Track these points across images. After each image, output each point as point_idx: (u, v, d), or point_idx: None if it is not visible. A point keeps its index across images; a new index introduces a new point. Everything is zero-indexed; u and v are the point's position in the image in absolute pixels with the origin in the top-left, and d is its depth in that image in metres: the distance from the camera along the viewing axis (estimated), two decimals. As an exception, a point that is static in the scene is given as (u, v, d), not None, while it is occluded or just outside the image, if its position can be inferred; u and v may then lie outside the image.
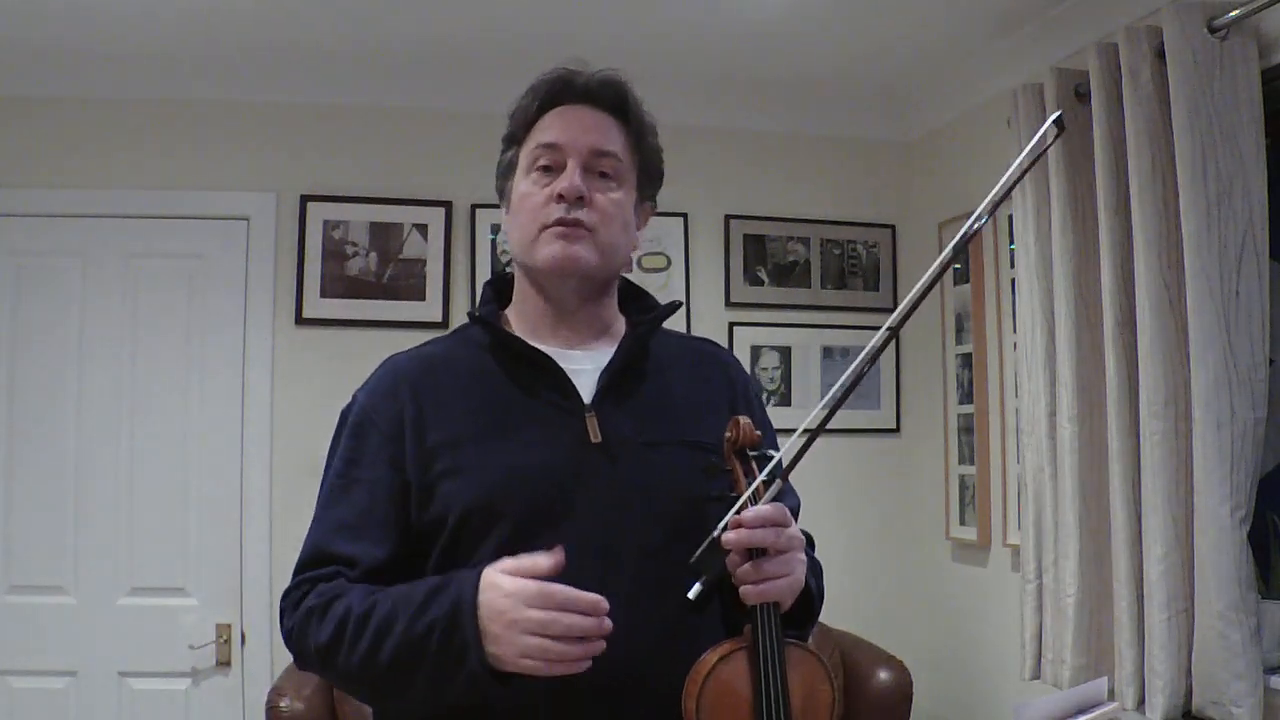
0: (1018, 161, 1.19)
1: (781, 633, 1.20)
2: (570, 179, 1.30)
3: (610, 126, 1.35)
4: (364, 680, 1.21)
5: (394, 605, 1.17)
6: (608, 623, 1.10)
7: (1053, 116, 1.20)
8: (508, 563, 1.13)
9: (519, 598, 1.10)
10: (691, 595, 1.16)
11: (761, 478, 1.22)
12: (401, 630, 1.15)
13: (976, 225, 1.19)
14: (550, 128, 1.34)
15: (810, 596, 1.31)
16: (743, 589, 1.19)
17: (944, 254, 1.17)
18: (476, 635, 1.11)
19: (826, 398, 1.18)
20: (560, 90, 1.36)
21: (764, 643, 1.19)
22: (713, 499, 1.27)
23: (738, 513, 1.19)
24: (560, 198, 1.30)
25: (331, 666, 1.22)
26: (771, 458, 1.28)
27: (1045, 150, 1.21)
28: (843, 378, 1.19)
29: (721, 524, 1.18)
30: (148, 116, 3.11)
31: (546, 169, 1.33)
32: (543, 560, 1.12)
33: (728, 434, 1.29)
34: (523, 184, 1.35)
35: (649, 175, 1.41)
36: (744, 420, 1.29)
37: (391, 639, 1.15)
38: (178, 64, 3.05)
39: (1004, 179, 1.18)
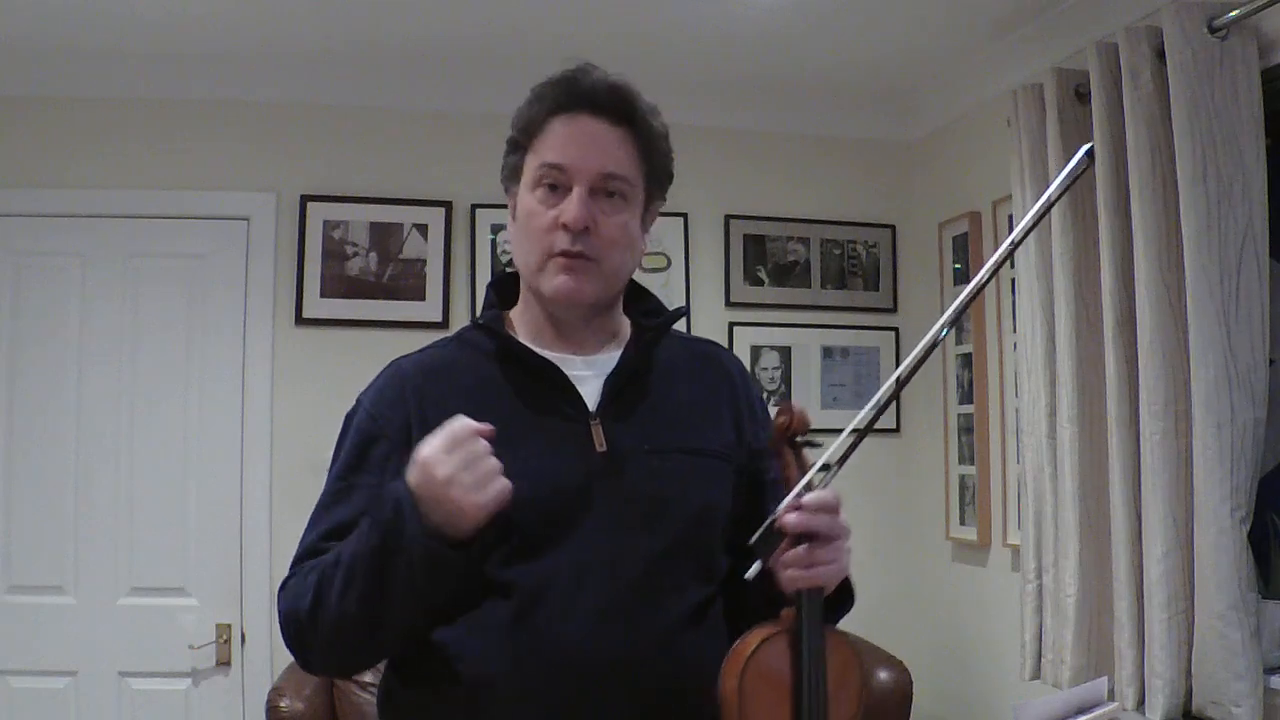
0: (1048, 193, 1.21)
1: (822, 618, 1.21)
2: (575, 210, 1.27)
3: (617, 141, 1.31)
4: (348, 621, 1.19)
5: (353, 537, 1.20)
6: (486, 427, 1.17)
7: (1084, 148, 1.21)
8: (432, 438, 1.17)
9: (435, 457, 1.14)
10: (750, 576, 1.17)
11: (818, 466, 1.22)
12: (363, 550, 1.17)
13: (988, 277, 1.21)
14: (556, 145, 1.30)
15: (849, 584, 1.31)
16: (790, 573, 1.19)
17: (960, 298, 1.18)
18: (415, 513, 1.14)
19: (865, 410, 1.19)
20: (566, 96, 1.31)
21: (807, 627, 1.20)
22: (767, 483, 1.28)
23: (798, 496, 1.19)
24: (565, 226, 1.28)
25: (321, 625, 1.20)
26: (819, 445, 1.28)
27: (1074, 182, 1.22)
28: (863, 412, 1.20)
29: (781, 506, 1.19)
30: (148, 116, 3.11)
31: (552, 187, 1.30)
32: (458, 424, 1.16)
33: (780, 419, 1.29)
34: (528, 199, 1.32)
35: (658, 181, 1.37)
36: (798, 407, 1.29)
37: (359, 562, 1.17)
38: (178, 64, 3.05)
39: (1028, 216, 1.20)
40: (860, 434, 1.18)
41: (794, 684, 1.19)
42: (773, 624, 1.22)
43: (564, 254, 1.28)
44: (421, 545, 1.13)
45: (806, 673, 1.19)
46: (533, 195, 1.31)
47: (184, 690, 3.00)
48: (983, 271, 1.22)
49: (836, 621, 1.31)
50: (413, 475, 1.15)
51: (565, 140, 1.30)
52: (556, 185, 1.30)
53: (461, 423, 1.15)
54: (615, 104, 1.31)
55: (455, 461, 1.13)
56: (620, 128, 1.31)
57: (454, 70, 3.16)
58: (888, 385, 1.23)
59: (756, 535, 1.19)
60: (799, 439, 1.29)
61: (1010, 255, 1.22)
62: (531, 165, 1.32)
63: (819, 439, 1.28)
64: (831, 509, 1.20)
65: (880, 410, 1.19)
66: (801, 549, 1.19)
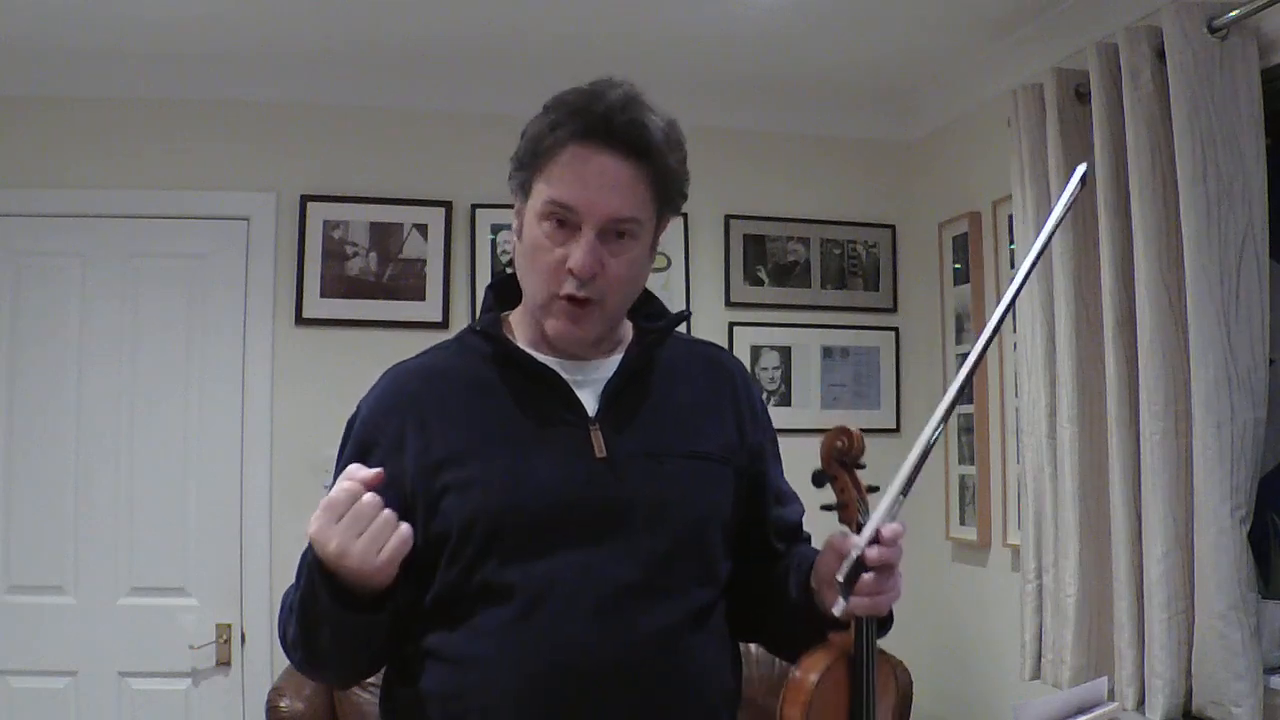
0: (1051, 221, 1.20)
1: (875, 642, 1.24)
2: (583, 259, 1.24)
3: (629, 180, 1.26)
4: (305, 659, 1.26)
5: (297, 586, 1.23)
6: (373, 472, 1.15)
7: (1079, 171, 1.22)
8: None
9: (321, 532, 1.13)
10: (838, 612, 1.17)
11: (892, 495, 1.20)
12: (296, 611, 1.22)
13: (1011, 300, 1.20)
14: (566, 182, 1.25)
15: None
16: (857, 600, 1.18)
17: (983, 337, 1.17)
18: (326, 584, 1.15)
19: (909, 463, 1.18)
20: (581, 125, 1.25)
21: (866, 653, 1.23)
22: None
23: (856, 529, 1.21)
24: (572, 272, 1.24)
25: (292, 657, 1.28)
26: (863, 467, 1.29)
27: (1071, 204, 1.22)
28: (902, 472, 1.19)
29: (863, 539, 1.18)
30: (148, 116, 3.11)
31: (561, 222, 1.26)
32: (336, 488, 1.13)
33: (838, 442, 1.30)
34: (535, 229, 1.28)
35: (671, 207, 1.34)
36: (857, 431, 1.30)
37: (297, 618, 1.22)
38: (178, 64, 3.05)
39: (1035, 247, 1.20)
40: (921, 460, 1.17)
41: (850, 705, 1.23)
42: (826, 651, 1.24)
43: (569, 298, 1.26)
44: (336, 616, 1.16)
45: (865, 695, 1.22)
46: (539, 227, 1.27)
47: (184, 690, 3.00)
48: (987, 329, 1.19)
49: (880, 639, 1.32)
50: (319, 551, 1.14)
51: (576, 178, 1.25)
52: (565, 222, 1.26)
53: (339, 487, 1.12)
54: (631, 138, 1.25)
55: (341, 531, 1.11)
56: (634, 164, 1.26)
57: (454, 70, 3.16)
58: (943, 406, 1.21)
59: (845, 571, 1.18)
60: (848, 462, 1.29)
61: (1015, 299, 1.21)
62: (540, 193, 1.27)
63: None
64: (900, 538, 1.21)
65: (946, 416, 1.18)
66: (871, 578, 1.18)
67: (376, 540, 1.12)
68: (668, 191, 1.32)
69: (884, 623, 1.30)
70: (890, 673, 1.30)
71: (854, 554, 1.18)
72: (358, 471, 1.14)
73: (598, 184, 1.25)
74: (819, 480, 1.29)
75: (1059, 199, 1.22)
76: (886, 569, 1.19)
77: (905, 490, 1.18)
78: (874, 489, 1.23)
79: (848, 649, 1.23)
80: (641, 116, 1.27)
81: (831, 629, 1.25)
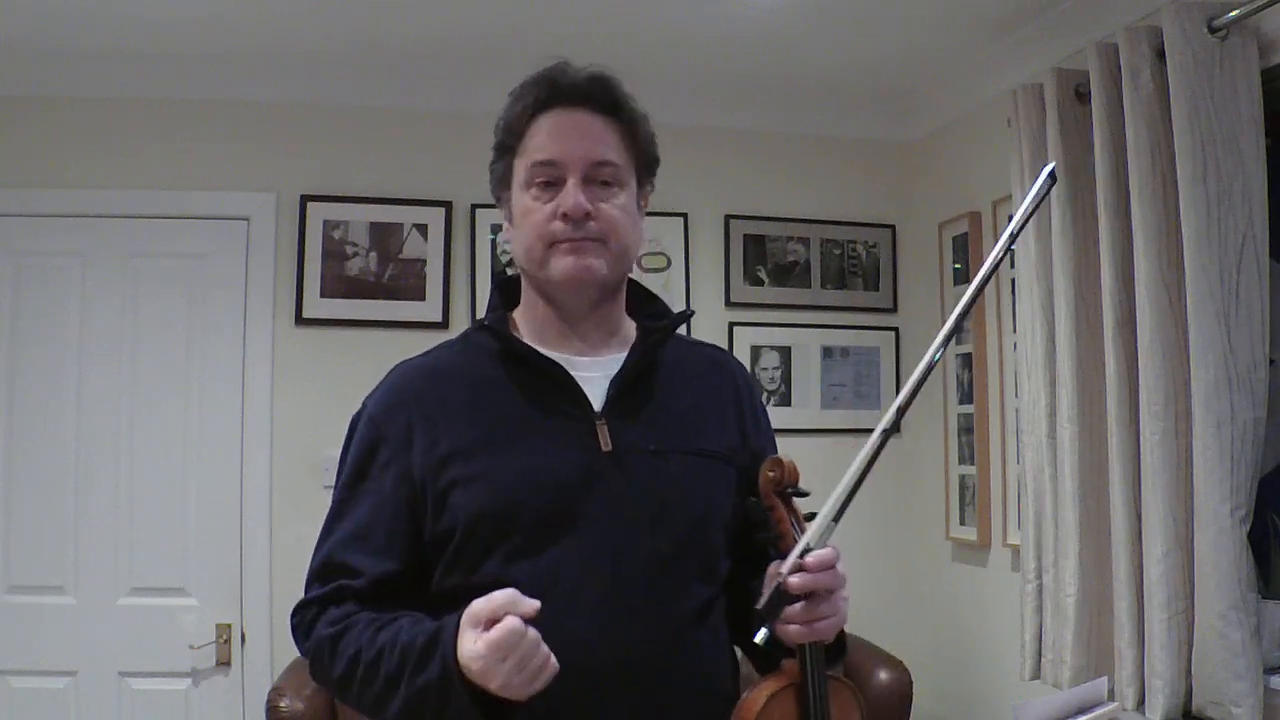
0: (1018, 216, 1.23)
1: (824, 669, 1.22)
2: (573, 198, 1.28)
3: (604, 130, 1.32)
4: (370, 713, 1.25)
5: (399, 658, 1.18)
6: (532, 605, 1.12)
7: (1047, 168, 1.25)
8: (479, 608, 1.12)
9: (488, 669, 1.10)
10: (759, 640, 1.16)
11: (818, 524, 1.20)
12: (405, 690, 1.17)
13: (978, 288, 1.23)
14: (544, 143, 1.30)
15: (843, 631, 1.30)
16: (793, 629, 1.19)
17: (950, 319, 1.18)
18: (465, 695, 1.12)
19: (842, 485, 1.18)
20: (548, 94, 1.32)
21: (812, 680, 1.21)
22: (759, 538, 1.27)
23: (800, 555, 1.18)
24: (565, 216, 1.28)
25: (348, 698, 1.26)
26: (807, 494, 1.28)
27: (1042, 200, 1.24)
28: (843, 483, 1.19)
29: (785, 568, 1.18)
30: (148, 116, 3.11)
31: (547, 184, 1.30)
32: (505, 628, 1.10)
33: (770, 473, 1.28)
34: (523, 199, 1.32)
35: (647, 167, 1.39)
36: (788, 460, 1.29)
37: (397, 696, 1.18)
38: (178, 64, 3.05)
39: (1001, 241, 1.23)
40: (855, 486, 1.17)
41: None
42: (776, 677, 1.23)
43: (568, 239, 1.29)
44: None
45: None
46: (527, 194, 1.31)
47: (184, 690, 3.00)
48: (949, 322, 1.21)
49: (835, 665, 1.30)
50: (466, 672, 1.12)
51: (552, 135, 1.30)
52: (550, 181, 1.30)
53: (505, 627, 1.10)
54: (598, 94, 1.32)
55: (509, 669, 1.10)
56: (605, 117, 1.32)
57: (454, 70, 3.16)
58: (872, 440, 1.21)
59: (763, 601, 1.17)
60: (789, 490, 1.29)
61: (983, 285, 1.22)
62: (521, 167, 1.32)
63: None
64: (832, 565, 1.20)
65: (871, 461, 1.18)
66: (802, 606, 1.18)
67: (538, 673, 1.11)
68: (640, 148, 1.36)
69: (834, 649, 1.28)
70: (851, 699, 1.28)
71: (774, 583, 1.17)
72: (519, 605, 1.11)
73: (574, 135, 1.30)
74: (757, 511, 1.28)
75: (1028, 194, 1.24)
76: (818, 596, 1.18)
77: (837, 516, 1.18)
78: (812, 516, 1.23)
79: (797, 676, 1.22)
80: (606, 76, 1.34)
81: (783, 655, 1.24)
